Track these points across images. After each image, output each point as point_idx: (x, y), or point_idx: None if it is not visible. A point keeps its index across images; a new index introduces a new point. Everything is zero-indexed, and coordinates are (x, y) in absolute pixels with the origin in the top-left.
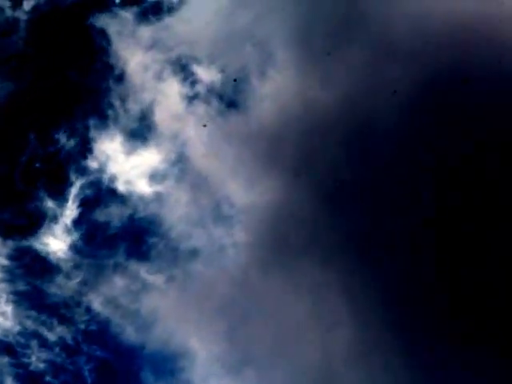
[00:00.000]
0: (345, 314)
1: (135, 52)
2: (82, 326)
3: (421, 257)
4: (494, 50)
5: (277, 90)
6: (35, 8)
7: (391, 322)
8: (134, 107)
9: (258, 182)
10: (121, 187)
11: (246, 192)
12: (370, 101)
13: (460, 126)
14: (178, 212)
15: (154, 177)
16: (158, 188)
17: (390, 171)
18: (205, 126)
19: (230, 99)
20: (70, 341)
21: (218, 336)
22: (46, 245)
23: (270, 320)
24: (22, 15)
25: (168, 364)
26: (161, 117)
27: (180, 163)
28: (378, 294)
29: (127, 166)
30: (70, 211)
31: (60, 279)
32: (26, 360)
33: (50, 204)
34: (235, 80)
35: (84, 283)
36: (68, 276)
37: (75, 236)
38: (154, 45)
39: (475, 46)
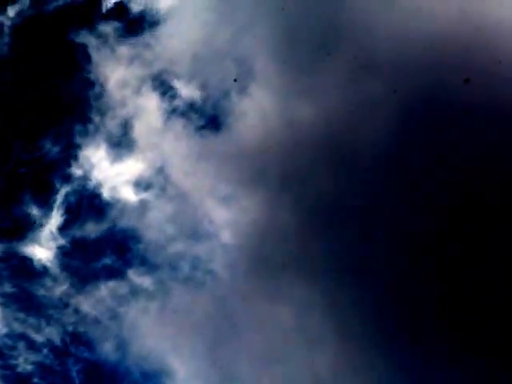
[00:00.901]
0: (329, 329)
1: (115, 67)
2: (70, 328)
3: (406, 271)
4: (478, 62)
5: (258, 106)
6: (19, 13)
7: (376, 337)
8: (113, 122)
9: (240, 199)
10: (106, 194)
11: (227, 209)
12: (353, 116)
13: (446, 138)
14: (158, 226)
15: (139, 184)
16: (143, 196)
17: (375, 187)
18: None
19: (210, 115)
20: (57, 342)
21: (198, 353)
22: (32, 251)
23: (253, 337)
24: (6, 21)
25: (147, 382)
26: (140, 132)
27: (160, 178)
28: (362, 309)
29: (112, 173)
30: (55, 218)
31: (47, 281)
32: (13, 362)
33: (35, 211)
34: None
35: (71, 289)
36: (55, 280)
37: (60, 243)
38: (134, 60)
39: (459, 61)
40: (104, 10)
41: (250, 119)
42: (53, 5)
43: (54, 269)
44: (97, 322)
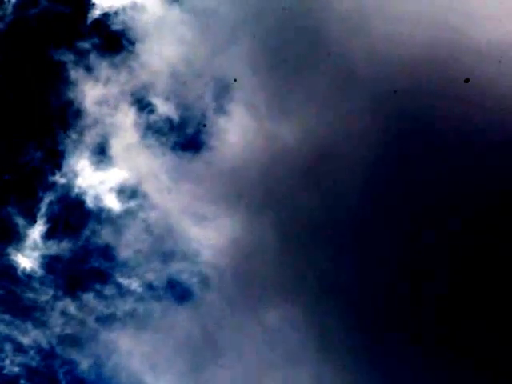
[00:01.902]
0: (310, 348)
1: (94, 84)
2: (57, 330)
3: (387, 288)
4: (458, 76)
5: (236, 124)
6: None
7: (358, 356)
8: (91, 139)
9: (219, 218)
10: (89, 202)
11: (205, 227)
12: (333, 135)
13: (426, 152)
14: (134, 244)
15: (123, 192)
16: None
17: (355, 204)
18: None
19: (187, 133)
20: (44, 344)
21: (177, 373)
22: (17, 258)
23: (233, 356)
24: None
25: None
26: (117, 149)
27: (137, 196)
28: (344, 327)
29: (95, 181)
30: (39, 226)
31: (34, 284)
32: (0, 363)
33: (19, 220)
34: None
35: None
36: (41, 284)
37: (44, 251)
38: (112, 77)
39: (433, 79)
40: (89, 22)
41: (228, 137)
42: (35, 12)
43: (39, 275)
44: (83, 324)
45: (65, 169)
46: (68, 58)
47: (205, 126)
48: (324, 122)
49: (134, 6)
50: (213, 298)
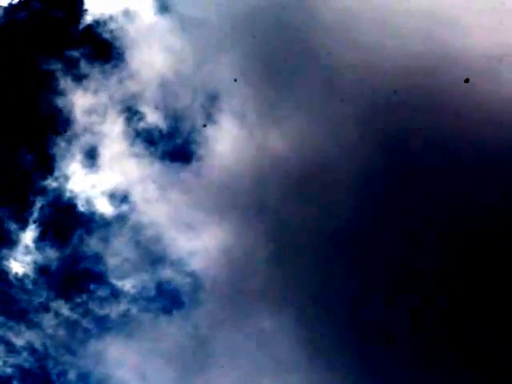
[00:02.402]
0: (300, 358)
1: (83, 92)
2: (50, 331)
3: (376, 299)
4: (445, 88)
5: (226, 134)
6: None
7: (348, 366)
8: (78, 149)
9: (209, 227)
10: (80, 206)
11: (195, 236)
12: (323, 145)
13: (413, 165)
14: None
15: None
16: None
17: (346, 214)
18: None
19: (176, 142)
20: (38, 346)
21: (166, 382)
22: (8, 263)
23: (223, 365)
24: None
25: None
26: (105, 158)
27: (124, 205)
28: (333, 337)
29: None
30: (31, 231)
31: (27, 286)
32: None
33: (10, 225)
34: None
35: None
36: (34, 284)
37: (36, 256)
38: (101, 86)
39: (419, 93)
40: (80, 28)
41: (218, 147)
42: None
43: (32, 278)
44: (77, 325)
45: (56, 173)
46: (57, 66)
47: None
48: (314, 131)
49: (126, 13)
50: (203, 306)
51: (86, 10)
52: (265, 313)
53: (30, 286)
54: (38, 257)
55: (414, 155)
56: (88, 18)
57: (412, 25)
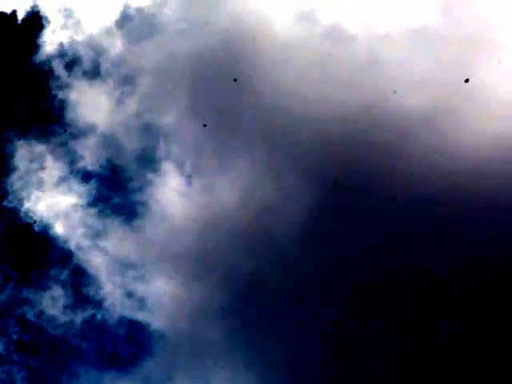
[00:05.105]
0: None
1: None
2: (15, 337)
3: (325, 361)
4: (387, 137)
5: (167, 183)
6: None
7: None
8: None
9: (158, 279)
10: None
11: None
12: (271, 195)
13: (361, 223)
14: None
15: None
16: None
17: (295, 264)
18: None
19: (119, 188)
20: (2, 351)
21: None
22: None
23: None
24: None
25: None
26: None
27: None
28: None
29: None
30: None
31: None
32: None
33: None
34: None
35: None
36: None
37: None
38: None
39: (366, 138)
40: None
41: (164, 199)
42: None
43: None
44: (41, 330)
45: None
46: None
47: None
48: (261, 183)
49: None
50: (153, 362)
51: None
52: (220, 368)
53: None
54: None
55: (362, 209)
56: None
57: (357, 78)
